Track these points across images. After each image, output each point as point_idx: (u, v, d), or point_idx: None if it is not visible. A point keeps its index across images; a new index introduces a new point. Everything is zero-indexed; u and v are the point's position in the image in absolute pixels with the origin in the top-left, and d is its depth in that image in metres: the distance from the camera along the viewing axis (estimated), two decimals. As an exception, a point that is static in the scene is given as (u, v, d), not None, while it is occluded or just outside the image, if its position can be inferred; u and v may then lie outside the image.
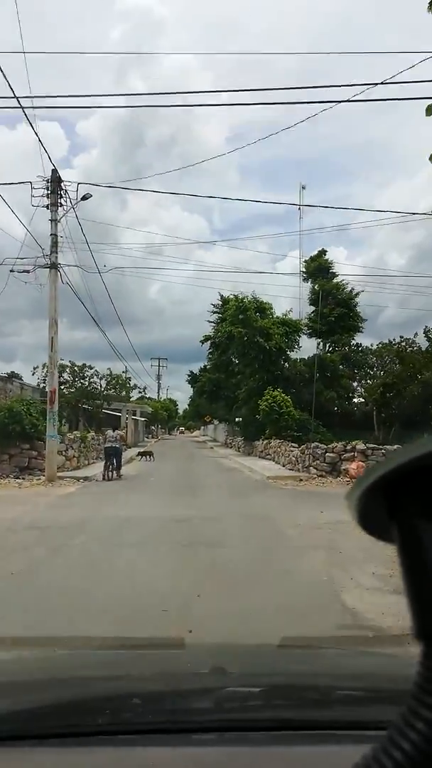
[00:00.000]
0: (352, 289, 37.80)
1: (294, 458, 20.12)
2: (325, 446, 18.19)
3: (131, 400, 54.30)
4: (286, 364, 31.71)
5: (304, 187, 44.45)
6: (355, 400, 37.72)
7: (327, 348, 35.99)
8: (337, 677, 1.39)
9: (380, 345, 42.19)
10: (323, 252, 37.16)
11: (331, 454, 17.89)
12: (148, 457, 25.46)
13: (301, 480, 17.63)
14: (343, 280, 37.24)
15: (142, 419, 45.17)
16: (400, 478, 0.38)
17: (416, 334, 39.96)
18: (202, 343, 34.53)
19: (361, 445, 17.67)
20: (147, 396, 69.26)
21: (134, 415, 40.54)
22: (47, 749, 0.96)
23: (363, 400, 38.85)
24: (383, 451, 17.38)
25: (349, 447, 17.80)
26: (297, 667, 1.53)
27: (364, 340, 41.29)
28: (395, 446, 17.85)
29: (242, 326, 28.96)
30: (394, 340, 41.32)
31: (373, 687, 1.24)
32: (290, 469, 20.36)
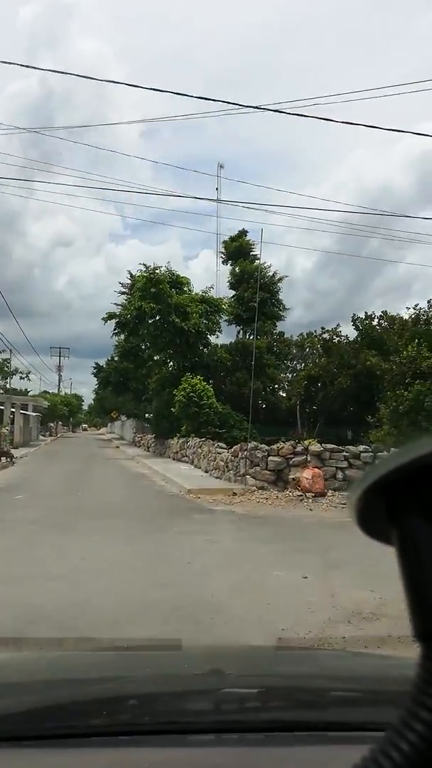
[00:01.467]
0: (275, 273, 33.39)
1: (223, 463, 14.74)
2: (268, 447, 12.98)
3: (29, 394, 46.55)
4: (206, 350, 26.41)
5: (222, 166, 39.68)
6: (283, 394, 33.12)
7: (247, 336, 31.30)
8: (333, 679, 1.31)
9: (302, 336, 38.19)
10: (244, 233, 32.28)
11: (275, 458, 12.69)
12: (5, 459, 19.04)
13: (235, 494, 12.28)
14: (265, 262, 32.95)
15: (35, 414, 37.87)
16: (400, 479, 0.37)
17: (338, 325, 36.07)
18: (105, 321, 28.28)
19: (315, 446, 12.63)
20: (49, 392, 61.25)
21: (24, 409, 33.33)
22: (43, 750, 0.92)
23: (285, 395, 34.55)
24: (345, 453, 12.47)
25: (299, 449, 12.69)
26: (294, 668, 1.45)
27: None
28: (360, 447, 13.01)
29: (154, 302, 23.21)
30: (315, 331, 37.53)
31: (369, 689, 1.17)
32: (217, 478, 14.94)
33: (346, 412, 31.08)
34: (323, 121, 11.13)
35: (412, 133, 18.99)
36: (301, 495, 11.88)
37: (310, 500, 11.58)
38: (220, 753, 0.93)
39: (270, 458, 12.72)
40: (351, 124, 11.50)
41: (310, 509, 10.91)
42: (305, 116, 11.27)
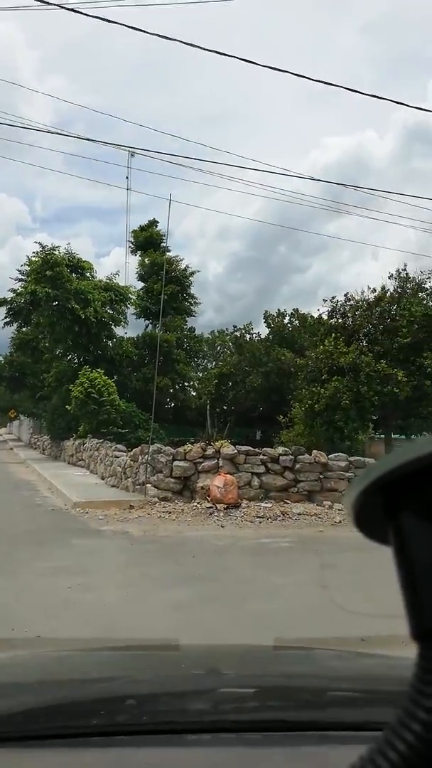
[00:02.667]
0: (187, 267, 31.41)
1: (120, 468, 12.31)
2: (173, 450, 10.74)
3: None
4: (110, 343, 23.74)
5: (133, 155, 37.32)
6: (193, 393, 31.15)
7: (156, 330, 29.00)
8: (331, 678, 1.27)
9: (214, 333, 36.53)
10: (154, 223, 30.01)
11: (182, 463, 10.47)
12: None
13: (132, 507, 9.92)
14: (177, 255, 31.07)
15: None
16: (399, 478, 0.36)
17: (250, 323, 34.75)
18: (-6, 308, 24.58)
19: (228, 449, 10.56)
20: None
21: None
22: (41, 751, 0.88)
23: (195, 393, 32.60)
24: (262, 457, 10.53)
25: (210, 452, 10.56)
26: (292, 668, 1.42)
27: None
28: (279, 449, 11.13)
29: (50, 286, 20.19)
30: (227, 329, 36.06)
31: (367, 688, 1.14)
32: (114, 486, 12.47)
33: (256, 412, 29.73)
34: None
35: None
36: (212, 507, 9.78)
37: (222, 513, 9.51)
38: (218, 753, 0.92)
39: (176, 463, 10.49)
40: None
41: (222, 525, 8.82)
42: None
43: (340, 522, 9.17)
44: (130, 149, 16.93)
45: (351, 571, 5.91)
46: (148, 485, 10.47)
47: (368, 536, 0.41)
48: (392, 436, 17.07)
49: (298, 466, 10.43)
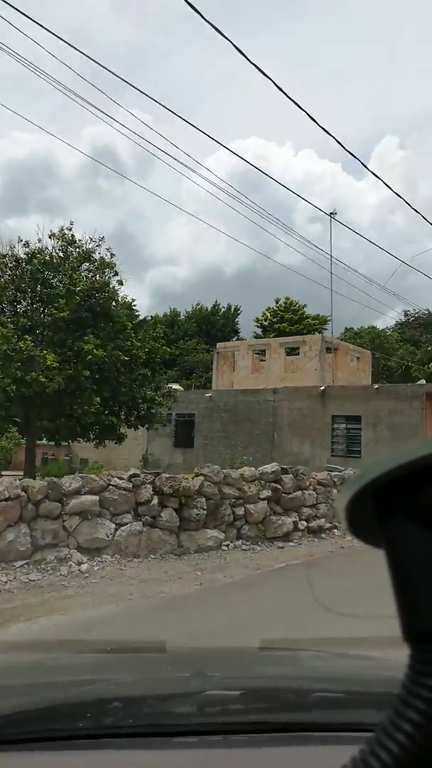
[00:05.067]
0: None
1: None
2: None
3: None
4: None
5: None
6: None
7: None
8: (316, 680, 1.27)
9: None
10: None
11: None
12: None
13: None
14: None
15: None
16: (390, 482, 0.37)
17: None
18: None
19: None
20: None
21: None
22: (27, 753, 0.87)
23: None
24: None
25: None
26: (277, 669, 1.46)
27: None
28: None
29: None
30: None
31: (352, 690, 1.14)
32: None
33: None
34: None
35: None
36: None
37: None
38: (204, 755, 0.91)
39: None
40: None
41: None
42: None
43: None
44: None
45: None
46: None
47: (361, 540, 0.40)
48: (36, 441, 12.82)
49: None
